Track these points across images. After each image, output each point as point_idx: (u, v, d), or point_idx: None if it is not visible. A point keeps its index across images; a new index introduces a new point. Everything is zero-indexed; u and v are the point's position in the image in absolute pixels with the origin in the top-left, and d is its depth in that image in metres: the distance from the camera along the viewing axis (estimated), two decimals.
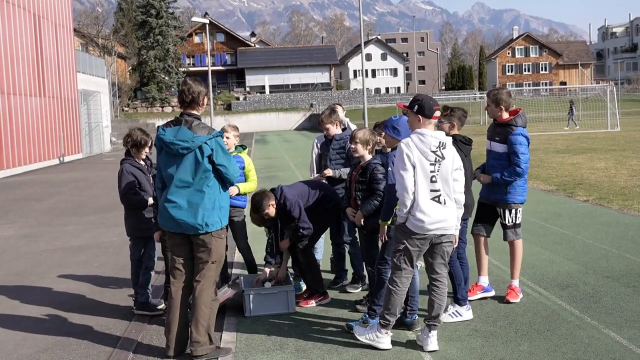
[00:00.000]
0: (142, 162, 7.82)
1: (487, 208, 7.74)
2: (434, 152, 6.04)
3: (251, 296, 7.43)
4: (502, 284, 8.20)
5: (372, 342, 6.25)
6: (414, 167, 6.00)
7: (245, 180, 8.23)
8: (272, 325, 7.09)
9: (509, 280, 8.03)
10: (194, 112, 6.24)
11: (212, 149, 6.06)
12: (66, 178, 26.80)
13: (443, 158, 6.06)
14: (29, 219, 15.92)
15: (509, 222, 7.57)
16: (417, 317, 6.80)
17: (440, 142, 6.08)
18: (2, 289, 9.17)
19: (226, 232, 6.35)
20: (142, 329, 7.17)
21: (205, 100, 6.30)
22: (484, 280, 7.79)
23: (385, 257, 6.68)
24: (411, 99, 6.35)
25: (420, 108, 6.15)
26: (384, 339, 6.26)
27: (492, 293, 7.81)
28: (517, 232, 7.65)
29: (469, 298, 7.42)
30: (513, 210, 7.55)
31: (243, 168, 8.18)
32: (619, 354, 5.93)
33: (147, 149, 7.81)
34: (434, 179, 6.03)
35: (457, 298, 7.04)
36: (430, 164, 6.03)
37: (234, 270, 9.41)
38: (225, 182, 6.19)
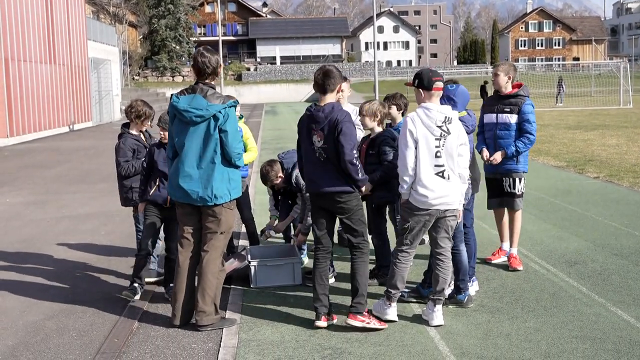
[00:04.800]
0: (140, 135, 7.73)
1: (496, 182, 8.02)
2: (439, 127, 5.99)
3: (257, 267, 7.42)
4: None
5: (379, 313, 6.25)
6: (416, 143, 5.96)
7: (245, 149, 8.22)
8: (278, 297, 7.08)
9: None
10: (210, 81, 6.19)
11: (224, 117, 6.00)
12: (75, 146, 26.83)
13: (449, 133, 6.01)
14: (37, 186, 15.95)
15: (518, 191, 7.92)
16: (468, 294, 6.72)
17: (446, 117, 6.03)
18: (9, 256, 9.19)
19: (235, 204, 6.32)
20: (148, 298, 7.17)
21: (220, 70, 6.27)
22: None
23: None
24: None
25: (420, 81, 6.11)
26: (390, 311, 6.26)
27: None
28: (521, 202, 8.07)
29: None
30: (523, 179, 7.95)
31: (241, 137, 8.17)
32: (625, 332, 5.90)
33: (149, 122, 7.72)
34: (438, 154, 5.99)
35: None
36: (436, 139, 5.98)
37: (240, 242, 9.40)
38: (224, 152, 6.06)
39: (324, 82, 6.11)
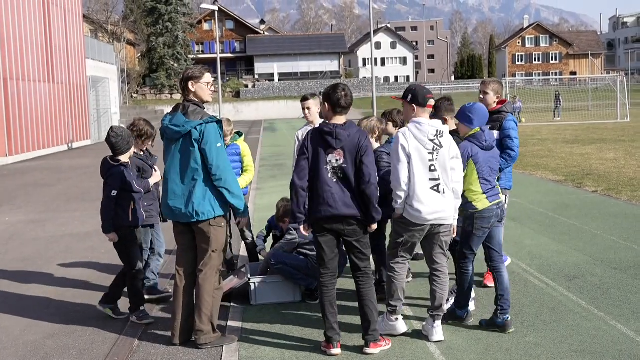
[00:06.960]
0: (141, 152, 7.70)
1: None
2: (431, 140, 6.02)
3: (257, 284, 7.43)
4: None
5: (389, 331, 6.25)
6: (409, 157, 5.98)
7: (242, 165, 8.24)
8: (278, 314, 7.08)
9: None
10: (194, 98, 6.21)
11: (200, 134, 6.00)
12: (75, 164, 26.85)
13: (441, 146, 6.04)
14: (37, 204, 15.96)
15: None
16: (509, 317, 6.44)
17: (437, 131, 6.08)
18: (9, 275, 9.19)
19: (227, 221, 6.33)
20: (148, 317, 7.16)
21: (191, 86, 6.17)
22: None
23: (464, 251, 6.48)
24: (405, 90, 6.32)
25: (413, 97, 6.13)
26: (399, 325, 6.29)
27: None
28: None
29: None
30: (504, 196, 7.74)
31: (239, 154, 8.20)
32: (625, 345, 5.90)
33: (150, 142, 7.69)
34: (432, 167, 6.01)
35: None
36: (429, 153, 6.01)
37: (240, 259, 9.40)
38: (210, 172, 6.02)
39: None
